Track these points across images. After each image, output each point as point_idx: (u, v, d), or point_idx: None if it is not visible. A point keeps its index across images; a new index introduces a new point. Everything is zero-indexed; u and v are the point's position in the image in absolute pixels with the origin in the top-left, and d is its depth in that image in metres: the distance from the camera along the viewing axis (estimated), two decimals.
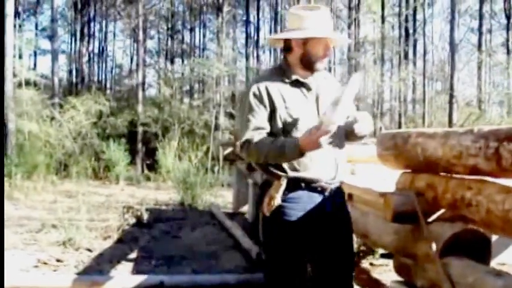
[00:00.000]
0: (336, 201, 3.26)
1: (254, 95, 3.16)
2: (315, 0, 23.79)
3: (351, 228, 3.39)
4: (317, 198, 3.18)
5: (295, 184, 3.15)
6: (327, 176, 3.18)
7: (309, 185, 3.16)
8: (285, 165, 3.14)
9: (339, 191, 3.30)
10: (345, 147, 3.31)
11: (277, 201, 3.13)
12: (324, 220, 3.21)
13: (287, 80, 3.20)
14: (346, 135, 3.22)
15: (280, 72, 3.25)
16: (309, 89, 3.22)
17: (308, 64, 3.19)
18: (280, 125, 3.12)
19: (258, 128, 3.11)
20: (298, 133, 3.06)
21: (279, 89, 3.16)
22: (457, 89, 23.70)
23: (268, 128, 3.13)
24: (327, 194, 3.20)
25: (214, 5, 31.88)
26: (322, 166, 3.15)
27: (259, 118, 3.12)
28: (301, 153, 2.97)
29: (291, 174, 3.14)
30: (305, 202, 3.17)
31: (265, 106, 3.13)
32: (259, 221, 3.34)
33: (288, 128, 3.12)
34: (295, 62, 3.22)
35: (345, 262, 3.33)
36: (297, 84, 3.20)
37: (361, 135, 3.17)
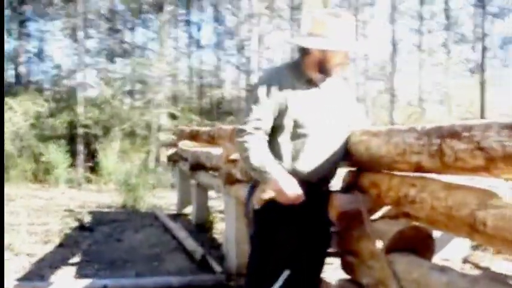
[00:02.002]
0: (323, 199, 3.36)
1: (264, 87, 3.22)
2: (257, 0, 23.85)
3: (331, 225, 3.48)
4: (308, 195, 3.21)
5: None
6: (320, 175, 3.26)
7: (301, 181, 3.19)
8: (284, 157, 3.23)
9: (327, 190, 3.42)
10: (343, 150, 3.41)
11: (268, 194, 3.19)
12: (310, 216, 3.30)
13: (301, 79, 3.26)
14: None
15: (296, 70, 3.31)
16: (321, 91, 3.30)
17: (325, 70, 3.26)
18: (291, 121, 3.20)
19: (258, 119, 3.17)
20: (304, 130, 3.20)
21: (291, 86, 3.23)
22: (398, 89, 24.08)
23: (269, 121, 3.20)
24: (317, 192, 3.29)
25: (155, 4, 31.63)
26: (317, 166, 3.24)
27: (262, 110, 3.18)
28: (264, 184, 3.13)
29: (289, 167, 3.22)
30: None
31: (273, 100, 3.19)
32: (250, 213, 3.39)
33: (296, 124, 3.20)
34: (312, 64, 3.27)
35: (319, 258, 3.52)
36: (310, 84, 3.28)
37: None
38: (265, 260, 3.36)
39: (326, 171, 3.30)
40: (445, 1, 29.56)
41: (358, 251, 3.31)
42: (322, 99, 3.30)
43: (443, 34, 29.94)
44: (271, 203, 3.21)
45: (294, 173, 3.21)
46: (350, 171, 3.64)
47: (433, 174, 2.79)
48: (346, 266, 3.53)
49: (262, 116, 3.18)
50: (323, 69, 3.25)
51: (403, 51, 33.43)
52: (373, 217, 3.24)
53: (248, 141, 3.14)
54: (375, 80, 32.36)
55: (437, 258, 3.23)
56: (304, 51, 3.29)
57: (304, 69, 3.30)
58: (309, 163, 3.23)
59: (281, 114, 3.20)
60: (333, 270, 4.40)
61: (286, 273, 3.31)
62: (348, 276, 3.55)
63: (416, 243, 2.98)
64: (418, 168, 2.79)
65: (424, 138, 2.65)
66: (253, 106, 3.20)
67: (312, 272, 3.47)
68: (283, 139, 3.23)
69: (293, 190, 3.04)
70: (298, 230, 3.30)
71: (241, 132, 3.20)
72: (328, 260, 3.67)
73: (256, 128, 3.17)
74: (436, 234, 3.13)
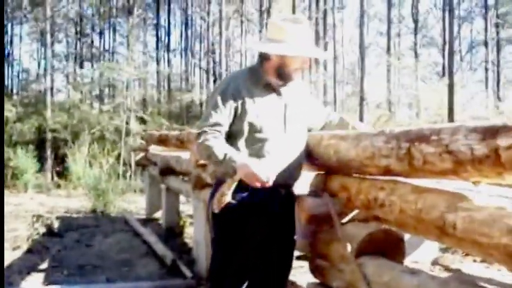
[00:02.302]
0: (285, 203, 3.37)
1: (222, 92, 3.24)
2: (227, 2, 23.85)
3: (294, 229, 3.48)
4: (267, 198, 3.24)
5: (245, 183, 3.17)
6: (279, 178, 3.20)
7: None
8: None
9: (289, 193, 3.41)
10: (304, 153, 3.43)
11: (228, 198, 3.17)
12: (272, 220, 3.30)
13: (259, 84, 3.28)
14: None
15: (254, 75, 3.33)
16: (279, 95, 3.31)
17: (284, 74, 3.27)
18: (246, 124, 3.21)
19: (216, 124, 3.18)
20: (263, 135, 3.20)
21: (249, 91, 3.25)
22: (367, 92, 24.25)
23: (226, 126, 3.22)
24: (276, 195, 3.28)
25: (124, 8, 31.48)
26: (275, 169, 3.19)
27: (221, 115, 3.19)
28: (233, 172, 3.07)
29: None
30: (253, 201, 3.24)
31: (230, 105, 3.20)
32: (210, 217, 3.39)
33: (254, 128, 3.21)
34: (271, 69, 3.29)
35: (285, 261, 3.48)
36: (268, 89, 3.29)
37: None
38: (225, 264, 3.37)
39: (286, 175, 3.29)
40: (412, 5, 29.83)
41: (328, 254, 3.32)
42: (280, 104, 3.31)
43: (412, 38, 30.23)
44: (230, 207, 3.20)
45: None
46: (318, 174, 3.65)
47: (402, 178, 2.81)
48: (316, 270, 3.53)
49: (219, 121, 3.20)
50: (282, 74, 3.27)
51: (372, 54, 33.77)
52: (343, 220, 3.24)
53: (209, 139, 3.15)
54: (344, 83, 32.58)
55: (407, 261, 3.25)
56: (263, 57, 3.32)
57: (263, 75, 3.31)
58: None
59: (239, 119, 3.22)
60: (302, 273, 4.41)
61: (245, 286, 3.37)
62: (317, 280, 3.55)
63: (387, 246, 3.00)
64: (387, 171, 2.80)
65: (393, 142, 2.66)
66: (212, 111, 3.22)
67: (278, 276, 3.46)
68: (242, 144, 3.24)
69: (262, 172, 3.03)
70: (258, 233, 3.30)
71: (201, 134, 3.20)
72: (298, 263, 3.67)
73: (215, 131, 3.19)
74: (406, 237, 3.15)
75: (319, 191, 3.48)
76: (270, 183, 3.03)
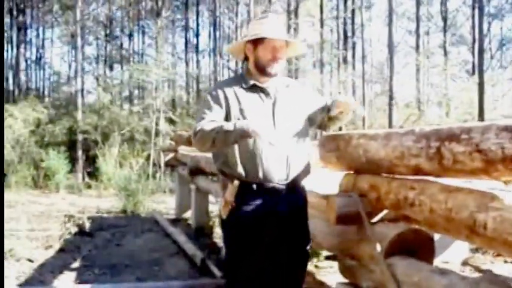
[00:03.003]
0: (292, 202, 3.32)
1: (211, 95, 3.32)
2: (255, 2, 23.86)
3: (307, 229, 3.45)
4: (270, 199, 3.24)
5: (247, 186, 3.23)
6: (278, 176, 3.23)
7: (261, 186, 3.23)
8: (236, 166, 3.23)
9: (295, 192, 3.36)
10: (305, 149, 3.40)
11: (231, 204, 3.22)
12: (278, 221, 3.28)
13: (244, 86, 3.32)
14: (323, 122, 3.46)
15: (240, 79, 3.40)
16: (266, 94, 3.33)
17: (261, 69, 3.31)
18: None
19: (212, 121, 3.19)
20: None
21: (235, 93, 3.29)
22: (396, 91, 24.08)
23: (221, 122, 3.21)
24: (280, 195, 3.25)
25: (152, 10, 31.66)
26: (272, 167, 3.22)
27: (214, 113, 3.24)
28: (236, 136, 3.08)
29: (242, 176, 3.22)
30: (258, 204, 3.24)
31: (220, 106, 3.26)
32: (220, 223, 3.45)
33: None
34: (253, 69, 3.36)
35: (297, 263, 3.42)
36: (254, 89, 3.32)
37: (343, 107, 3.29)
38: (236, 268, 3.38)
39: (282, 174, 3.26)
40: (441, 3, 29.54)
41: (357, 254, 3.31)
42: (268, 102, 3.32)
43: (441, 36, 29.95)
44: (237, 212, 3.25)
45: (248, 178, 3.23)
46: (347, 174, 3.64)
47: (431, 177, 2.79)
48: (345, 270, 3.52)
49: (214, 118, 3.23)
50: (260, 69, 3.32)
51: (401, 53, 33.52)
52: (373, 220, 3.23)
53: (207, 125, 3.16)
54: (372, 82, 32.41)
55: (437, 261, 3.23)
56: (246, 59, 3.41)
57: (249, 76, 3.37)
58: (260, 167, 3.22)
59: (228, 119, 3.25)
60: (332, 273, 4.41)
61: None
62: (347, 280, 3.54)
63: (416, 246, 2.98)
64: (417, 171, 2.78)
65: (423, 141, 2.64)
66: (206, 110, 3.27)
67: (292, 279, 3.43)
68: (233, 148, 3.24)
69: (255, 125, 3.05)
70: (266, 236, 3.29)
71: (196, 130, 3.22)
72: (327, 263, 3.67)
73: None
74: (436, 237, 3.13)
75: (348, 191, 3.47)
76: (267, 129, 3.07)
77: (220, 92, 3.30)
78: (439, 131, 2.55)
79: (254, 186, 3.23)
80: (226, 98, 3.27)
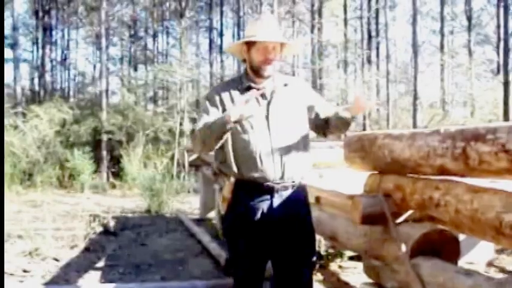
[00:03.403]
0: (288, 202, 3.31)
1: (207, 99, 3.41)
2: (279, 3, 23.86)
3: (308, 229, 3.43)
4: (264, 198, 3.26)
5: (242, 184, 3.27)
6: (273, 176, 3.25)
7: (255, 185, 3.25)
8: (232, 166, 3.27)
9: (292, 192, 3.34)
10: (304, 149, 3.39)
11: (228, 200, 3.31)
12: (273, 220, 3.28)
13: (240, 87, 3.36)
14: (335, 123, 3.37)
15: (237, 81, 3.44)
16: (262, 95, 3.31)
17: (255, 70, 3.35)
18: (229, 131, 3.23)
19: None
20: (246, 135, 3.25)
21: (230, 95, 3.34)
22: (420, 91, 23.94)
23: None
24: (275, 194, 3.27)
25: (176, 10, 31.79)
26: (267, 166, 3.24)
27: (211, 116, 3.26)
28: (226, 124, 3.08)
29: (237, 174, 3.27)
30: (252, 202, 3.27)
31: (217, 109, 3.30)
32: (219, 219, 3.53)
33: (237, 129, 3.24)
34: (249, 70, 3.39)
35: (299, 262, 3.38)
36: (250, 90, 3.30)
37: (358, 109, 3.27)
38: (236, 262, 3.48)
39: (277, 173, 3.26)
40: (466, 2, 29.31)
41: (382, 254, 3.30)
42: (262, 103, 3.33)
43: (465, 35, 29.72)
44: (232, 209, 3.32)
45: (246, 179, 3.26)
46: (372, 174, 3.64)
47: (457, 177, 2.78)
48: (369, 270, 3.52)
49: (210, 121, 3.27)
50: (255, 70, 3.35)
51: (425, 53, 33.30)
52: (398, 220, 3.23)
53: (198, 125, 3.26)
54: (397, 82, 32.22)
55: (461, 262, 3.22)
56: (244, 61, 3.45)
57: (246, 78, 3.40)
58: (255, 165, 3.24)
59: None
60: (356, 274, 4.41)
61: None
62: (371, 280, 3.54)
63: (441, 247, 2.97)
64: (442, 171, 2.77)
65: (448, 141, 2.63)
66: (203, 114, 3.31)
67: (295, 277, 3.39)
68: (229, 148, 3.28)
69: (232, 110, 3.09)
70: (259, 234, 3.30)
71: (193, 132, 3.35)
72: (351, 263, 3.66)
73: None
74: (461, 237, 3.12)
75: (373, 191, 3.47)
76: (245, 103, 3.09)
77: (216, 95, 3.36)
78: (465, 131, 2.55)
79: (247, 183, 3.26)
80: (221, 100, 3.32)
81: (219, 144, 3.22)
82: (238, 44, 3.46)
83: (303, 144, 3.38)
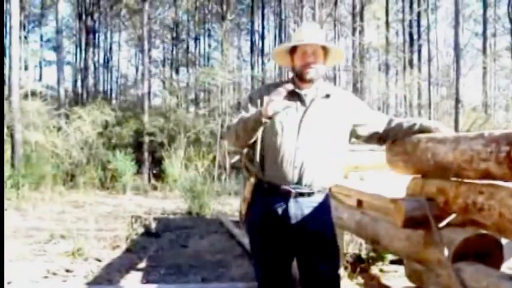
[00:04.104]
0: (305, 208, 3.34)
1: (249, 97, 3.52)
2: (320, 6, 23.81)
3: (326, 238, 3.44)
4: (280, 201, 3.31)
5: (260, 186, 3.34)
6: (290, 179, 3.29)
7: (272, 186, 3.31)
8: (257, 165, 3.34)
9: (310, 200, 3.37)
10: (331, 162, 3.42)
11: (248, 200, 3.39)
12: (288, 225, 3.32)
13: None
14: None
15: (281, 85, 3.45)
16: (302, 101, 3.38)
17: (298, 75, 3.42)
18: (262, 131, 3.31)
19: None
20: (274, 137, 3.30)
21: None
22: (462, 94, 23.68)
23: None
24: (291, 199, 3.30)
25: (218, 13, 31.96)
26: (286, 169, 3.28)
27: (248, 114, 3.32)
28: (261, 118, 3.15)
29: (260, 174, 3.34)
30: (268, 204, 3.33)
31: (256, 107, 3.36)
32: (240, 219, 3.59)
33: (266, 130, 3.31)
34: (295, 76, 3.46)
35: (318, 267, 3.39)
36: (292, 95, 3.36)
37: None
38: (258, 266, 3.53)
39: (294, 177, 3.29)
40: (509, 4, 28.89)
41: (424, 258, 3.29)
42: (302, 109, 3.37)
43: (508, 38, 29.31)
44: (251, 209, 3.39)
45: (264, 181, 3.33)
46: (415, 177, 3.62)
47: (501, 182, 2.76)
48: (412, 274, 3.51)
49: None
50: (298, 75, 3.42)
51: (467, 56, 32.93)
52: (440, 224, 3.22)
53: (230, 124, 3.38)
54: (438, 85, 31.91)
55: (504, 267, 3.19)
56: (292, 70, 3.50)
57: (291, 82, 3.46)
58: (273, 168, 3.30)
59: None
60: (397, 277, 4.39)
61: None
62: (413, 284, 3.53)
63: (484, 251, 2.95)
64: (486, 175, 2.76)
65: (492, 145, 2.61)
66: (242, 111, 3.41)
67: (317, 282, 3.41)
68: (258, 147, 3.34)
69: (269, 105, 3.14)
70: (275, 234, 3.34)
71: (228, 127, 3.44)
72: (392, 267, 3.66)
73: None
74: (504, 242, 3.09)
75: (415, 195, 3.46)
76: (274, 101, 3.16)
77: (258, 95, 3.45)
78: (509, 135, 2.53)
79: (265, 185, 3.31)
80: (262, 102, 3.35)
81: (252, 140, 3.28)
82: (283, 55, 3.53)
83: (331, 157, 3.40)
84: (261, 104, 3.34)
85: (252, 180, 3.34)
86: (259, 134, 3.29)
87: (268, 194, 3.31)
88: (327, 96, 3.44)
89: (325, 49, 3.43)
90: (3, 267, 4.49)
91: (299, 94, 3.38)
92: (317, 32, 3.43)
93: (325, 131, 3.38)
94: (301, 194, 3.32)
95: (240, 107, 3.52)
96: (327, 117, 3.39)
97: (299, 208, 3.31)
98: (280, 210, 3.30)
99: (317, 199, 3.39)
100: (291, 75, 3.52)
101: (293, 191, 3.29)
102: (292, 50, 3.43)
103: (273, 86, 3.53)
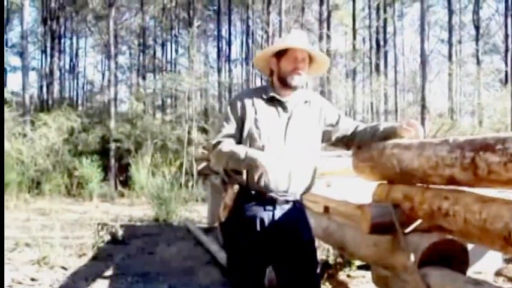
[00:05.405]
0: (290, 215, 3.35)
1: (230, 106, 3.42)
2: (287, 12, 23.90)
3: (307, 243, 3.44)
4: (267, 209, 3.31)
5: (246, 193, 3.30)
6: (278, 187, 3.29)
7: (259, 195, 3.29)
8: (243, 172, 3.30)
9: (295, 205, 3.40)
10: (311, 165, 3.45)
11: (229, 207, 3.35)
12: (273, 232, 3.31)
13: (264, 97, 3.39)
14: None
15: (262, 90, 3.46)
16: (284, 107, 3.39)
17: (283, 81, 3.38)
18: (246, 134, 3.32)
19: (227, 136, 3.34)
20: (261, 144, 3.27)
21: (253, 103, 3.37)
22: (428, 100, 23.92)
23: (237, 137, 3.35)
24: (277, 206, 3.31)
25: (185, 19, 31.91)
26: (274, 177, 3.25)
27: (231, 127, 3.35)
28: (245, 165, 3.21)
29: (244, 182, 3.31)
30: (254, 212, 3.31)
31: (237, 117, 3.35)
32: (219, 226, 3.56)
33: (252, 137, 3.30)
34: (277, 82, 3.43)
35: (300, 272, 3.38)
36: (273, 101, 3.39)
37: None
38: (234, 270, 3.48)
39: (283, 186, 3.31)
40: (474, 11, 29.32)
41: (391, 264, 3.31)
42: (284, 116, 3.38)
43: (473, 45, 29.72)
44: (233, 217, 3.35)
45: (250, 188, 3.30)
46: (381, 183, 3.64)
47: (466, 187, 2.78)
48: (378, 280, 3.52)
49: (231, 132, 3.35)
50: (282, 81, 3.40)
51: (433, 62, 33.31)
52: (406, 230, 3.23)
53: (225, 146, 3.30)
54: (405, 91, 32.21)
55: (470, 272, 3.21)
56: (271, 73, 3.49)
57: (270, 88, 3.44)
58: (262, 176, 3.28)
59: (243, 128, 3.35)
60: (364, 283, 4.41)
61: None
62: None
63: (450, 256, 2.97)
64: (451, 181, 2.78)
65: (457, 151, 2.64)
66: (224, 123, 3.39)
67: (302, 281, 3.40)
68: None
69: (263, 160, 3.14)
70: (259, 244, 3.32)
71: (216, 145, 3.35)
72: (360, 273, 3.67)
73: (229, 140, 3.35)
74: (469, 246, 3.12)
75: (382, 201, 3.47)
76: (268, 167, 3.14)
77: (239, 102, 3.40)
78: (474, 141, 2.55)
79: (253, 193, 3.29)
80: (244, 107, 3.36)
81: None
82: (267, 56, 3.50)
83: (311, 164, 3.45)
84: (242, 110, 3.35)
85: (236, 187, 3.31)
86: (247, 140, 3.32)
87: (254, 201, 3.30)
88: (306, 102, 3.47)
89: (309, 59, 3.45)
90: (3, 267, 4.43)
91: (280, 101, 3.39)
92: (307, 41, 3.45)
93: (307, 137, 3.43)
94: (287, 202, 3.34)
95: (222, 116, 3.46)
96: (307, 124, 3.43)
97: (285, 214, 3.33)
98: (266, 217, 3.29)
99: (300, 205, 3.45)
100: (262, 82, 3.52)
101: (280, 198, 3.31)
102: (279, 54, 3.41)
103: (253, 91, 3.56)
